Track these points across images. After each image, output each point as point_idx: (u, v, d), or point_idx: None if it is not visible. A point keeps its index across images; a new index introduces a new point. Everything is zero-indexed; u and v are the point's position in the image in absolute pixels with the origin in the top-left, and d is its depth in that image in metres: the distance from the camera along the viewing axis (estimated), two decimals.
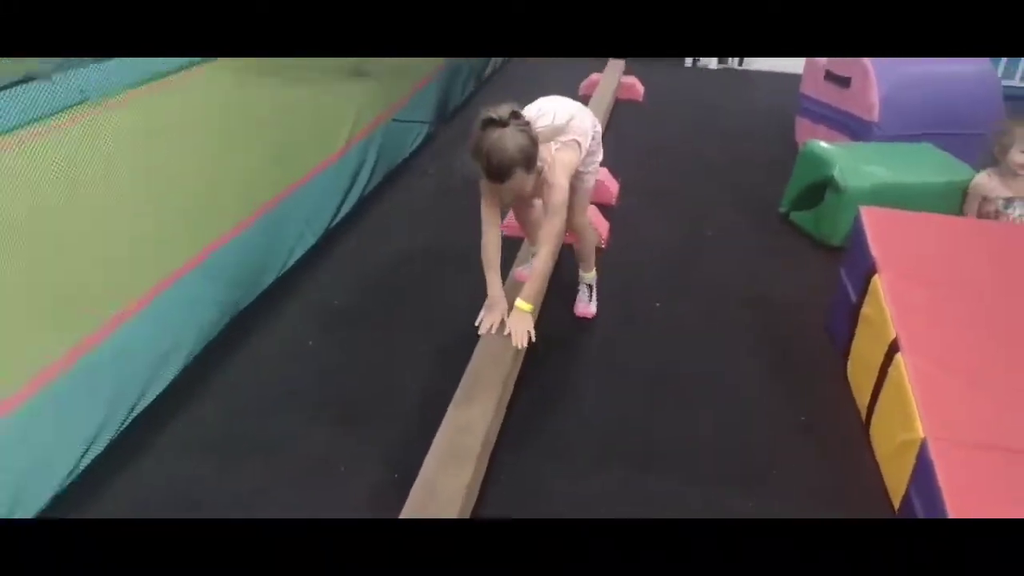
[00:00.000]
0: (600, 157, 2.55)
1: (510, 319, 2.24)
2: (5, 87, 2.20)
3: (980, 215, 3.08)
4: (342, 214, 3.34)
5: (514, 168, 2.01)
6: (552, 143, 2.25)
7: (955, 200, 3.15)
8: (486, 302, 2.29)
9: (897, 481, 1.95)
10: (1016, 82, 5.61)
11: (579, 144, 2.29)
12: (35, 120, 2.14)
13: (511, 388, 2.22)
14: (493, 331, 2.23)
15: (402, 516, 1.63)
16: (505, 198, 2.19)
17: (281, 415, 2.23)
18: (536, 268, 2.27)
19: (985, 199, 3.06)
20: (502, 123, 1.98)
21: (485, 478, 1.93)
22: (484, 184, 2.15)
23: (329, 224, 3.23)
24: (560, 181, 2.20)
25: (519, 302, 2.24)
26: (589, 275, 2.78)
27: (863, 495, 2.01)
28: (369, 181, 3.60)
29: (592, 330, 2.71)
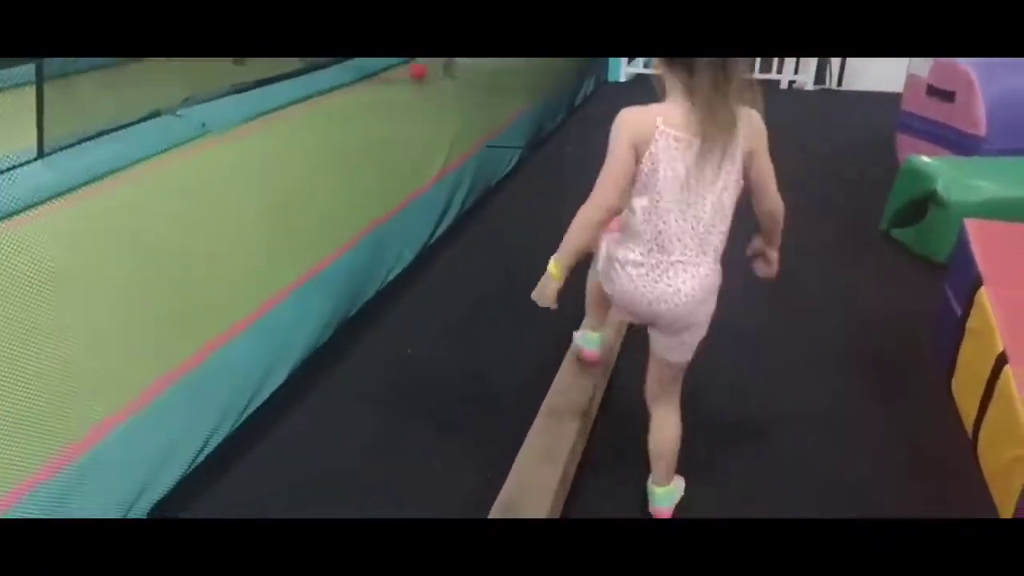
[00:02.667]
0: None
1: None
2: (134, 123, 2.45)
3: None
4: (439, 234, 3.47)
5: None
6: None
7: None
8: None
9: (1006, 497, 1.87)
10: None
11: None
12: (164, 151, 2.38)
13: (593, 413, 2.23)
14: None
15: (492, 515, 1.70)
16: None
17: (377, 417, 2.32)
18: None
19: None
20: None
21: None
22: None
23: (426, 243, 3.35)
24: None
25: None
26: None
27: (971, 513, 1.93)
28: (464, 204, 3.72)
29: None
